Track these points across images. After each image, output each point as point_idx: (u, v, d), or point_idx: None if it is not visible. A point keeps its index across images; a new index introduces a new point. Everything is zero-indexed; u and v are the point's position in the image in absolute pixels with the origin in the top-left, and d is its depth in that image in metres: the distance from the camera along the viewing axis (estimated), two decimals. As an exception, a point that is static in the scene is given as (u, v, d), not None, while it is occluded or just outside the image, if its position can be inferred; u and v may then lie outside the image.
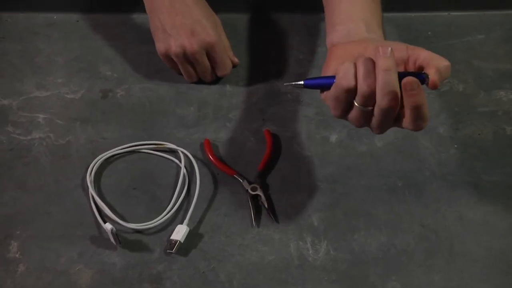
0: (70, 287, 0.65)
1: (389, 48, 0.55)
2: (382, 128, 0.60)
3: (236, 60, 0.88)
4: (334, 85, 0.58)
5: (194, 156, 0.77)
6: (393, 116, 0.57)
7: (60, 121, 0.81)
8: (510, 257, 0.68)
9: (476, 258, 0.68)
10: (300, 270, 0.67)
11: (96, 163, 0.75)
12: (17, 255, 0.67)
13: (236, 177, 0.75)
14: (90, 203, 0.72)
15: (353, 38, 0.65)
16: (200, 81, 0.85)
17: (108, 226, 0.66)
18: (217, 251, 0.68)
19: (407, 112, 0.56)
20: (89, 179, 0.73)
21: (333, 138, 0.80)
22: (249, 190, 0.73)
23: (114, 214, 0.70)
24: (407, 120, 0.57)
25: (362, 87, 0.56)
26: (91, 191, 0.72)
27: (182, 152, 0.77)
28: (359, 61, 0.56)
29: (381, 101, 0.55)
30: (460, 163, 0.78)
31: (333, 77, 0.59)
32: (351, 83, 0.56)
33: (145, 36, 0.89)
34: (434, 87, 0.57)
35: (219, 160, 0.76)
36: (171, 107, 0.83)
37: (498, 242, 0.70)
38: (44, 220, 0.70)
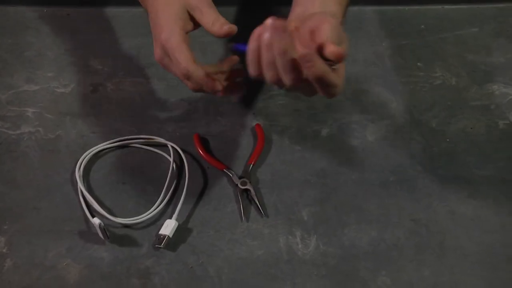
0: (58, 282, 0.64)
1: (277, 22, 0.56)
2: (306, 94, 0.62)
3: (225, 29, 0.67)
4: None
5: (184, 151, 0.76)
6: (301, 87, 0.59)
7: (49, 115, 0.81)
8: (500, 252, 0.68)
9: (467, 253, 0.68)
10: (289, 265, 0.66)
11: (85, 157, 0.75)
12: (4, 250, 0.67)
13: (226, 171, 0.74)
14: (79, 198, 0.71)
15: (305, 15, 0.64)
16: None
17: (96, 221, 0.66)
18: (206, 245, 0.68)
19: (314, 83, 0.57)
20: (78, 174, 0.73)
21: (324, 132, 0.79)
22: (239, 185, 0.72)
23: (103, 209, 0.70)
24: (318, 90, 0.58)
25: (265, 70, 0.59)
26: (80, 186, 0.71)
27: (172, 147, 0.76)
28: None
29: (286, 81, 0.57)
30: (452, 157, 0.77)
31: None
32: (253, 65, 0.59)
33: (136, 30, 0.88)
34: None
35: (209, 155, 0.76)
36: (161, 101, 0.83)
37: (489, 237, 0.69)
38: (32, 215, 0.70)
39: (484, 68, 0.89)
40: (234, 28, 0.67)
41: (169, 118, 0.80)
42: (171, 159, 0.75)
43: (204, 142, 0.78)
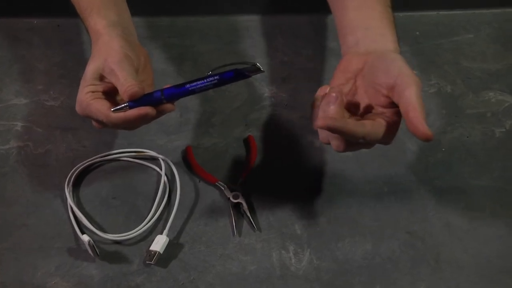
0: (47, 301, 0.63)
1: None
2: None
3: (126, 94, 0.58)
4: None
5: (175, 164, 0.75)
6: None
7: (39, 129, 0.80)
8: (497, 264, 0.67)
9: (463, 265, 0.67)
10: (282, 280, 0.65)
11: (75, 172, 0.74)
12: (-8, 269, 0.66)
13: (218, 184, 0.73)
14: (68, 214, 0.70)
15: (361, 49, 0.61)
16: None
17: (85, 238, 0.65)
18: (198, 261, 0.67)
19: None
20: (67, 190, 0.71)
21: (318, 143, 0.78)
22: (231, 198, 0.71)
23: (93, 225, 0.69)
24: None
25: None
26: (70, 201, 0.70)
27: (163, 160, 0.75)
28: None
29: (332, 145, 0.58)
30: (447, 167, 0.76)
31: (158, 91, 0.59)
32: None
33: (127, 41, 0.87)
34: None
35: (201, 168, 0.75)
36: (153, 113, 0.82)
37: (485, 249, 0.68)
38: (21, 232, 0.69)
39: (479, 75, 0.88)
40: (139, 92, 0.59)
41: (160, 131, 0.79)
42: (162, 173, 0.74)
43: (196, 155, 0.77)
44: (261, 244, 0.68)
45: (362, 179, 0.75)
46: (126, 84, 0.59)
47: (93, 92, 0.61)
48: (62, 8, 0.93)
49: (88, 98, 0.60)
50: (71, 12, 0.88)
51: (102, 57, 0.62)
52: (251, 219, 0.70)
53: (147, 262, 0.65)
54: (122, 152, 0.76)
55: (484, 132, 0.80)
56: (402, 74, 0.55)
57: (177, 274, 0.66)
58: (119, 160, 0.76)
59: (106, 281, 0.65)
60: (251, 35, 0.95)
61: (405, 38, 0.94)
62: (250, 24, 0.97)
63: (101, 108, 0.59)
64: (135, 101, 0.59)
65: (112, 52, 0.62)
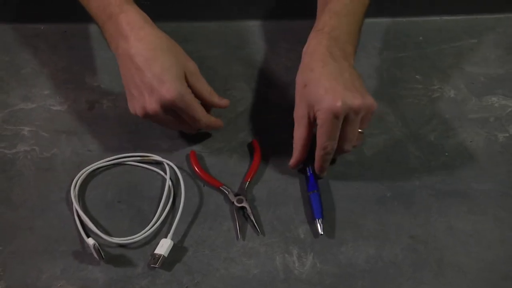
0: (52, 304, 0.64)
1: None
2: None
3: (223, 102, 0.76)
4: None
5: (179, 168, 0.76)
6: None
7: (45, 134, 0.80)
8: (501, 269, 0.67)
9: (466, 270, 0.67)
10: (285, 284, 0.66)
11: (80, 176, 0.74)
12: (-2, 272, 0.66)
13: (222, 189, 0.73)
14: (74, 217, 0.71)
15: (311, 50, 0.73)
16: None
17: (90, 241, 0.65)
18: (202, 265, 0.67)
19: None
20: (73, 193, 0.72)
21: (321, 147, 0.79)
22: (235, 202, 0.72)
23: (98, 228, 0.69)
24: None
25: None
26: (75, 205, 0.71)
27: (168, 164, 0.76)
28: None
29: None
30: (450, 171, 0.76)
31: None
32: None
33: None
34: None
35: (205, 172, 0.75)
36: (158, 118, 0.82)
37: (488, 253, 0.68)
38: (26, 235, 0.70)
39: (483, 80, 0.88)
40: (228, 103, 0.77)
41: (164, 135, 0.80)
42: (167, 177, 0.74)
43: (200, 159, 0.77)
44: (265, 248, 0.69)
45: (365, 184, 0.75)
46: (215, 93, 0.74)
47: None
48: (68, 14, 0.95)
49: (191, 94, 0.69)
50: (77, 18, 0.89)
51: (179, 58, 0.70)
52: (255, 223, 0.70)
53: (152, 265, 0.66)
54: (127, 157, 0.77)
55: (487, 137, 0.80)
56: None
57: (181, 278, 0.66)
58: (124, 164, 0.77)
59: (110, 284, 0.65)
60: (255, 40, 0.95)
61: (408, 43, 0.94)
62: (255, 29, 0.97)
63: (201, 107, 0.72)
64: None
65: (187, 57, 0.72)
